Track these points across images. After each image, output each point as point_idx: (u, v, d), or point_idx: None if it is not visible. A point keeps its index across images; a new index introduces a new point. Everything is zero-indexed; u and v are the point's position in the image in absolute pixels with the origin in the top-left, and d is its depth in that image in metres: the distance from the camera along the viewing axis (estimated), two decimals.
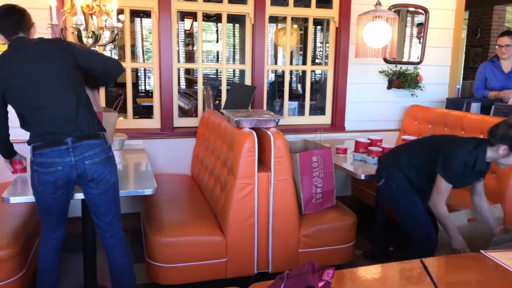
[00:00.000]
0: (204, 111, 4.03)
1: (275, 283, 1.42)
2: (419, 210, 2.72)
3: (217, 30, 10.08)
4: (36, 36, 2.33)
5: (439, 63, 4.61)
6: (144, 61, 9.31)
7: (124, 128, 3.87)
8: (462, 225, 2.66)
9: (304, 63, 7.35)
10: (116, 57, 8.51)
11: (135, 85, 9.43)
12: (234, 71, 8.76)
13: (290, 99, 4.68)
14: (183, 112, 5.48)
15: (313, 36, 7.73)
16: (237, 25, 9.27)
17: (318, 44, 8.16)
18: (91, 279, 2.75)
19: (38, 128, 2.18)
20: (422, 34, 4.52)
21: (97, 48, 3.56)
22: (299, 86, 8.16)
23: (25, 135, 2.25)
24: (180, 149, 3.98)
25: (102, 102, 3.82)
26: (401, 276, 1.88)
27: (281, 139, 2.80)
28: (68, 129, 2.18)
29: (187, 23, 9.57)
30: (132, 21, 8.81)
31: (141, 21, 9.34)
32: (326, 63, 4.47)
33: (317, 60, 8.06)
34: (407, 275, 1.88)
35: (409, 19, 4.65)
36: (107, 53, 3.44)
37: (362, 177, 3.12)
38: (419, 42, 4.56)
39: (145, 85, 9.73)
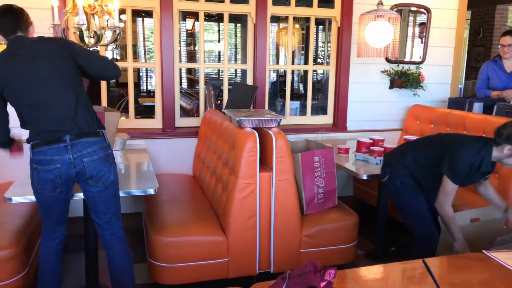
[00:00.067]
0: (205, 111, 4.03)
1: (277, 283, 1.41)
2: (422, 208, 2.73)
3: (218, 30, 10.08)
4: (36, 35, 2.33)
5: (441, 63, 4.60)
6: (146, 61, 9.31)
7: (126, 128, 3.87)
8: (465, 225, 2.65)
9: (306, 62, 7.34)
10: (118, 57, 8.53)
11: (137, 85, 9.43)
12: (235, 71, 8.76)
13: (292, 99, 4.69)
14: (185, 112, 5.48)
15: (315, 35, 7.69)
16: (239, 25, 9.27)
17: (320, 44, 8.15)
18: (93, 279, 2.75)
19: (36, 126, 2.18)
20: (424, 34, 4.51)
21: (99, 48, 3.57)
22: (301, 86, 8.15)
23: (26, 134, 2.26)
24: (181, 149, 3.98)
25: (104, 102, 3.83)
26: (403, 276, 1.87)
27: (283, 139, 2.79)
28: (67, 127, 2.18)
29: (189, 23, 9.57)
30: (134, 21, 8.82)
31: (143, 21, 9.34)
32: (328, 63, 4.47)
33: (319, 60, 8.05)
34: (409, 275, 1.88)
35: (411, 18, 4.64)
36: (109, 53, 3.44)
37: (364, 177, 3.12)
38: (421, 42, 4.55)
39: (147, 85, 9.73)
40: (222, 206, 2.87)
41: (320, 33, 8.01)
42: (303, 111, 4.90)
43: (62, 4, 3.37)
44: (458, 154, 2.49)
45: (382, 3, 3.65)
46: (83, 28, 2.86)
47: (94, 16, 2.95)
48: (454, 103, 4.30)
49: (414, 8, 4.50)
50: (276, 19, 6.58)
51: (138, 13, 8.49)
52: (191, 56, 9.72)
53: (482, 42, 8.05)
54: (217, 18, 9.26)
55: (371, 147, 3.43)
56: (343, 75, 4.29)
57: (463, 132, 3.71)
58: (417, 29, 4.65)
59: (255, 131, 2.79)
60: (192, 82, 9.35)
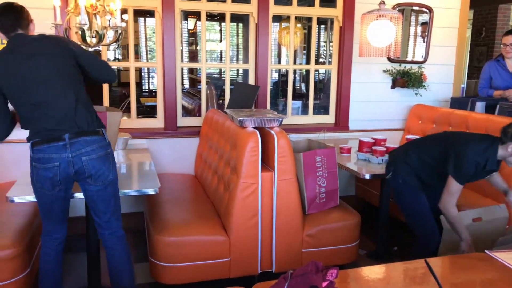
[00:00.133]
0: (207, 110, 4.03)
1: (279, 283, 1.41)
2: (424, 207, 2.73)
3: (220, 30, 10.07)
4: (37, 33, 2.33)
5: (443, 62, 4.60)
6: (147, 61, 9.32)
7: (128, 127, 3.87)
8: (467, 225, 2.65)
9: (308, 62, 7.34)
10: (120, 57, 8.54)
11: (139, 84, 9.43)
12: (237, 70, 8.76)
13: (294, 98, 4.67)
14: (187, 112, 5.48)
15: (316, 35, 7.72)
16: (240, 25, 9.27)
17: (322, 43, 8.15)
18: (95, 279, 2.75)
19: (37, 125, 2.19)
20: (426, 33, 4.50)
21: (101, 48, 3.57)
22: (303, 85, 8.14)
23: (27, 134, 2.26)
24: (183, 148, 3.98)
25: (106, 102, 3.83)
26: (405, 276, 1.87)
27: (285, 139, 2.79)
28: (66, 126, 2.18)
29: (191, 22, 9.57)
30: (135, 21, 8.82)
31: (144, 20, 9.34)
32: (330, 63, 4.46)
33: (320, 60, 8.04)
34: (411, 275, 1.87)
35: (413, 18, 4.63)
36: (110, 53, 3.44)
37: (366, 176, 3.11)
38: (424, 41, 4.55)
39: (148, 84, 9.73)
40: (224, 205, 2.87)
41: (322, 33, 8.01)
42: (305, 111, 4.90)
43: (64, 4, 3.37)
44: (464, 154, 2.48)
45: (384, 3, 3.65)
46: (85, 28, 2.86)
47: (96, 16, 2.95)
48: (456, 102, 4.29)
49: (416, 8, 4.49)
50: (278, 18, 6.58)
51: (140, 13, 8.49)
52: (193, 56, 9.72)
53: (484, 42, 8.04)
54: (219, 17, 9.24)
55: (373, 147, 3.42)
56: (345, 74, 4.29)
57: None
58: (419, 29, 4.64)
59: (257, 131, 2.78)
60: (194, 81, 9.35)
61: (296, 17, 4.36)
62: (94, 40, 2.96)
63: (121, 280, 2.45)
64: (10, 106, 2.27)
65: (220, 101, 5.88)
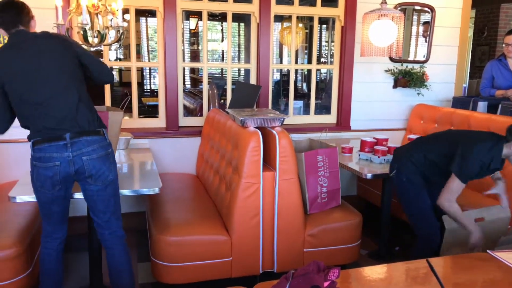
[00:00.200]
0: (209, 110, 4.03)
1: (280, 283, 1.41)
2: (426, 206, 2.73)
3: (222, 29, 10.07)
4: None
5: (445, 62, 4.59)
6: (149, 61, 9.32)
7: (130, 127, 3.88)
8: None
9: (310, 62, 7.33)
10: (122, 57, 8.54)
11: (141, 84, 9.44)
12: (239, 70, 8.76)
13: (295, 98, 4.67)
14: (188, 111, 5.49)
15: (318, 35, 7.71)
16: (242, 24, 9.26)
17: (324, 43, 8.14)
18: (96, 278, 2.76)
19: (38, 124, 2.18)
20: (428, 33, 4.50)
21: (103, 48, 3.57)
22: (305, 85, 8.14)
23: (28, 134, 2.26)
24: (185, 148, 3.98)
25: (108, 102, 3.84)
26: (407, 276, 1.87)
27: (286, 138, 2.79)
28: (68, 125, 2.18)
29: (192, 22, 9.57)
30: (137, 21, 8.83)
31: (146, 20, 9.35)
32: (331, 62, 4.46)
33: (322, 59, 8.03)
34: (413, 275, 1.87)
35: (415, 17, 4.62)
36: (112, 52, 3.45)
37: (368, 176, 3.11)
38: (425, 41, 4.54)
39: (150, 84, 9.74)
40: (226, 205, 2.87)
41: (324, 32, 7.99)
42: (306, 111, 4.89)
43: (66, 3, 3.38)
44: (470, 153, 2.47)
45: (385, 2, 3.64)
46: (87, 27, 2.86)
47: (97, 15, 2.95)
48: (458, 102, 4.28)
49: (418, 7, 4.49)
50: (279, 18, 6.58)
51: (142, 13, 8.50)
52: (195, 56, 9.72)
53: (486, 41, 8.02)
54: (221, 17, 9.25)
55: (375, 147, 3.42)
56: (346, 74, 4.28)
57: None
58: (421, 28, 4.63)
59: (259, 131, 2.78)
60: (196, 81, 9.35)
61: (297, 17, 4.36)
62: (96, 40, 2.96)
63: (121, 280, 2.45)
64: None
65: (222, 100, 5.88)
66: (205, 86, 4.22)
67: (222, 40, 10.08)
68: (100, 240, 2.44)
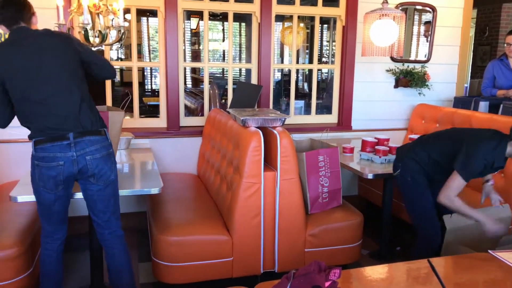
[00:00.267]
0: (210, 110, 4.03)
1: (281, 283, 1.41)
2: (430, 205, 2.72)
3: (223, 29, 10.07)
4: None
5: (446, 62, 4.58)
6: (150, 60, 9.33)
7: (131, 127, 3.88)
8: (470, 225, 2.64)
9: (311, 61, 7.33)
10: (123, 56, 8.55)
11: (142, 84, 9.45)
12: (240, 70, 8.75)
13: (297, 98, 4.67)
14: (189, 111, 5.49)
15: (319, 34, 7.71)
16: (243, 24, 9.27)
17: (325, 43, 8.14)
18: (97, 278, 2.76)
19: (39, 123, 2.17)
20: (429, 32, 4.49)
21: (104, 48, 3.57)
22: (306, 85, 8.14)
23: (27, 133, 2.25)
24: (186, 148, 3.98)
25: (109, 102, 3.84)
26: (408, 276, 1.87)
27: (287, 138, 2.79)
28: (70, 125, 2.18)
29: (193, 22, 9.58)
30: (138, 20, 8.83)
31: (147, 20, 9.36)
32: (332, 62, 4.45)
33: (323, 59, 8.03)
34: (414, 275, 1.87)
35: (416, 17, 4.62)
36: (113, 52, 3.45)
37: (369, 176, 3.11)
38: (427, 41, 4.53)
39: (151, 84, 9.75)
40: (227, 205, 2.87)
41: (325, 32, 7.99)
42: (307, 110, 4.89)
43: (67, 3, 3.38)
44: (475, 151, 2.46)
45: (387, 2, 3.64)
46: (88, 27, 2.86)
47: (99, 15, 2.95)
48: (460, 102, 4.28)
49: (419, 7, 4.48)
50: (280, 18, 6.58)
51: (143, 13, 8.51)
52: (196, 55, 9.73)
53: (488, 41, 8.01)
54: (222, 17, 9.26)
55: (376, 147, 3.42)
56: (348, 74, 4.28)
57: None
58: (422, 28, 4.63)
59: (260, 131, 2.78)
60: (197, 81, 9.35)
61: (298, 17, 4.35)
62: (97, 40, 2.96)
63: (121, 280, 2.45)
64: None
65: (223, 100, 5.88)
66: (206, 86, 4.22)
67: (223, 40, 10.08)
68: (100, 240, 2.44)
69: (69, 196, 2.33)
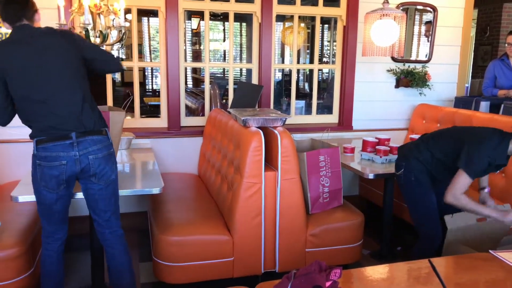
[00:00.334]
0: (211, 110, 4.03)
1: (282, 283, 1.41)
2: (432, 205, 2.72)
3: (224, 29, 10.08)
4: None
5: (447, 62, 4.58)
6: (151, 60, 9.33)
7: (132, 127, 3.88)
8: (471, 225, 2.63)
9: (311, 61, 7.33)
10: (124, 56, 8.54)
11: (142, 84, 9.46)
12: (241, 70, 8.76)
13: (297, 98, 4.68)
14: (190, 111, 5.49)
15: (320, 34, 7.71)
16: (244, 24, 9.27)
17: (326, 43, 8.14)
18: (98, 277, 2.76)
19: (41, 123, 2.16)
20: (430, 32, 4.49)
21: (105, 48, 3.57)
22: (306, 85, 8.14)
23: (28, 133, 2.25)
24: (187, 148, 3.98)
25: (110, 101, 3.84)
26: (409, 276, 1.86)
27: (288, 138, 2.79)
28: (72, 125, 2.18)
29: (194, 22, 9.58)
30: (139, 21, 8.83)
31: (148, 20, 9.36)
32: (333, 62, 4.45)
33: (324, 59, 8.03)
34: (415, 275, 1.87)
35: (417, 17, 4.62)
36: (114, 52, 3.45)
37: (370, 176, 3.11)
38: (428, 41, 4.53)
39: (152, 84, 9.76)
40: (227, 205, 2.87)
41: (326, 32, 7.99)
42: (308, 110, 4.89)
43: (68, 3, 3.38)
44: (478, 149, 2.46)
45: (388, 2, 3.64)
46: (89, 27, 2.86)
47: (100, 15, 2.96)
48: (461, 102, 4.28)
49: (420, 7, 4.48)
50: (281, 18, 6.58)
51: (144, 13, 8.51)
52: (196, 56, 9.73)
53: (489, 41, 8.00)
54: (223, 17, 9.26)
55: (377, 147, 3.41)
56: (348, 74, 4.28)
57: None
58: (423, 28, 4.63)
59: (260, 131, 2.78)
60: (197, 81, 9.36)
61: (299, 17, 4.35)
62: (98, 40, 2.96)
63: (122, 279, 2.45)
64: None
65: (224, 100, 5.88)
66: (207, 86, 4.22)
67: (224, 40, 10.08)
68: (101, 240, 2.44)
69: (70, 196, 2.33)
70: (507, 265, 1.86)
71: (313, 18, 5.95)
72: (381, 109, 4.46)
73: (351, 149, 3.59)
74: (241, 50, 9.76)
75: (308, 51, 8.10)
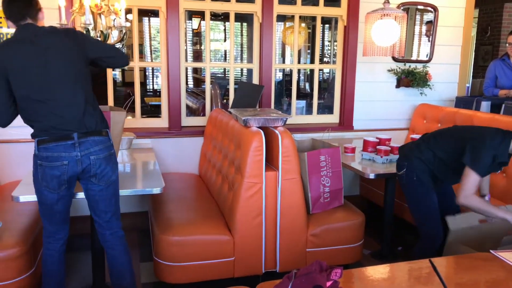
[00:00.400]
0: (211, 110, 4.03)
1: (283, 282, 1.41)
2: (434, 206, 2.72)
3: (224, 29, 10.07)
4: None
5: (448, 62, 4.58)
6: (152, 61, 9.33)
7: (132, 127, 3.88)
8: (473, 226, 2.62)
9: (312, 61, 7.33)
10: None
11: (143, 84, 9.45)
12: (241, 70, 8.76)
13: (298, 98, 4.68)
14: (191, 111, 5.49)
15: (321, 34, 7.70)
16: (245, 24, 9.27)
17: (326, 43, 8.13)
18: (99, 277, 2.76)
19: (43, 123, 2.16)
20: (431, 32, 4.49)
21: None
22: (307, 85, 8.13)
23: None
24: (187, 148, 3.99)
25: (111, 102, 3.84)
26: (410, 276, 1.86)
27: (289, 138, 2.79)
28: (75, 126, 2.18)
29: (195, 22, 9.58)
30: (140, 21, 8.84)
31: (149, 20, 9.36)
32: (334, 62, 4.45)
33: (325, 59, 8.03)
34: (415, 275, 1.87)
35: (418, 17, 4.61)
36: None
37: (371, 176, 3.11)
38: (428, 40, 4.53)
39: (153, 84, 9.75)
40: (228, 205, 2.87)
41: (326, 32, 7.99)
42: (309, 110, 4.89)
43: (69, 4, 3.38)
44: (482, 145, 2.46)
45: (388, 2, 3.63)
46: (90, 27, 2.86)
47: (100, 15, 2.96)
48: (462, 102, 4.28)
49: (421, 7, 4.48)
50: (282, 18, 6.57)
51: (145, 13, 8.51)
52: (197, 56, 9.73)
53: (489, 41, 8.00)
54: (223, 17, 9.26)
55: (378, 147, 3.41)
56: (349, 74, 4.28)
57: None
58: (424, 28, 4.62)
59: (261, 130, 2.78)
60: (198, 81, 9.35)
61: (300, 17, 4.35)
62: None
63: (123, 280, 2.46)
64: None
65: (224, 100, 5.88)
66: (207, 86, 4.22)
67: (225, 40, 10.08)
68: (101, 241, 2.45)
69: (71, 196, 2.33)
70: (507, 265, 1.86)
71: (313, 18, 5.94)
72: (382, 109, 4.46)
73: (352, 149, 3.59)
74: (241, 50, 9.75)
75: (308, 51, 8.10)
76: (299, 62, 7.84)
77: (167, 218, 2.88)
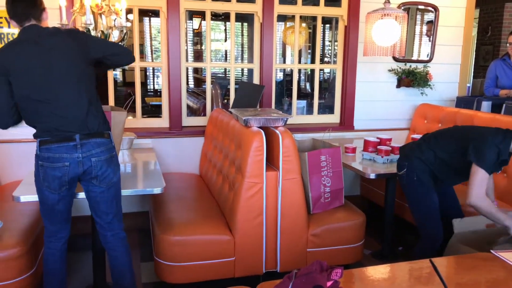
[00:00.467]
0: (212, 110, 4.03)
1: (283, 282, 1.41)
2: (434, 206, 2.72)
3: (225, 29, 10.08)
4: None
5: (449, 61, 4.58)
6: (152, 61, 9.33)
7: (133, 127, 3.89)
8: (479, 230, 2.61)
9: (313, 61, 7.33)
10: None
11: (144, 84, 9.46)
12: (242, 70, 8.76)
13: (299, 98, 4.68)
14: (192, 111, 5.49)
15: (321, 34, 7.69)
16: (245, 24, 9.27)
17: (327, 43, 8.14)
18: (100, 277, 2.77)
19: (45, 124, 2.16)
20: (432, 32, 4.48)
21: None
22: (308, 85, 8.14)
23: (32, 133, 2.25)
24: (188, 148, 3.99)
25: (111, 102, 3.85)
26: (410, 276, 1.86)
27: (290, 138, 2.79)
28: (77, 127, 2.18)
29: (196, 22, 9.58)
30: (140, 21, 8.84)
31: (149, 20, 9.36)
32: (334, 62, 4.45)
33: (325, 59, 8.03)
34: (416, 275, 1.87)
35: (418, 17, 4.61)
36: None
37: (372, 176, 3.11)
38: (429, 40, 4.53)
39: (153, 84, 9.76)
40: (229, 205, 2.87)
41: (327, 32, 7.99)
42: (310, 110, 4.90)
43: (70, 4, 3.39)
44: (484, 144, 2.45)
45: (389, 2, 3.63)
46: (91, 27, 2.87)
47: (101, 15, 2.96)
48: (462, 102, 4.27)
49: (421, 7, 4.48)
50: (282, 18, 6.58)
51: (145, 13, 8.51)
52: (198, 56, 9.73)
53: (490, 41, 7.99)
54: (224, 17, 9.26)
55: (378, 147, 3.41)
56: (350, 74, 4.28)
57: None
58: (424, 28, 4.62)
59: (262, 130, 2.78)
60: (199, 81, 9.35)
61: (301, 17, 4.35)
62: None
63: (124, 280, 2.46)
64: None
65: (225, 100, 5.89)
66: (208, 86, 4.23)
67: (225, 40, 10.08)
68: (102, 242, 2.45)
69: (73, 196, 2.34)
70: (508, 265, 1.86)
71: (314, 18, 5.94)
72: (383, 109, 4.46)
73: (353, 149, 3.59)
74: (242, 50, 9.75)
75: (309, 51, 8.10)
76: (299, 62, 7.84)
77: (168, 218, 2.88)
